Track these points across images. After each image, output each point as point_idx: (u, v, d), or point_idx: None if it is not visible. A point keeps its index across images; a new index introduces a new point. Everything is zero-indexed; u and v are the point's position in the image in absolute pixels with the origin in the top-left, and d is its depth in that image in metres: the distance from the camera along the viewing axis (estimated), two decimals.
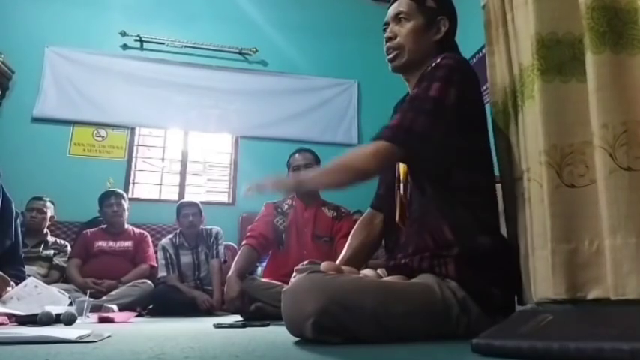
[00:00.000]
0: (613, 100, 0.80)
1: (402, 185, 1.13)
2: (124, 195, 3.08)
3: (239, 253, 2.12)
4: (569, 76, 0.90)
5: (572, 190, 0.87)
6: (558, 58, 0.91)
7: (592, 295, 0.83)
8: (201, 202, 3.16)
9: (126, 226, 3.06)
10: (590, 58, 0.83)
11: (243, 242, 2.16)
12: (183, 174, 4.32)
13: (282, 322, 0.94)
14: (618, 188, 0.78)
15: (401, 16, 1.14)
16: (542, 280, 0.91)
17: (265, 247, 2.18)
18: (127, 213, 3.04)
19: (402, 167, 1.15)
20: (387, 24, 1.18)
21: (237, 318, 1.87)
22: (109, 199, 3.00)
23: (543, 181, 0.89)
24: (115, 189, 3.19)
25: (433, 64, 1.05)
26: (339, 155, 1.04)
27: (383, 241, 1.27)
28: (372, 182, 1.35)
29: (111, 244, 2.96)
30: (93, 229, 3.07)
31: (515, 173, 1.07)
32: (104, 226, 3.08)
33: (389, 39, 1.16)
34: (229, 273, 2.02)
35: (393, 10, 1.17)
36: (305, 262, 1.06)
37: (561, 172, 0.87)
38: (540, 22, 0.93)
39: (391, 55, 1.16)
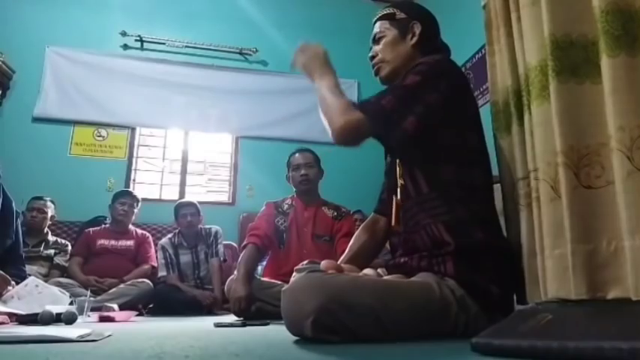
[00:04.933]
0: (629, 102, 0.81)
1: (398, 190, 1.14)
2: (139, 200, 3.12)
3: (245, 253, 2.05)
4: (584, 78, 0.90)
5: (590, 191, 0.87)
6: (572, 60, 0.91)
7: (612, 295, 0.83)
8: (202, 202, 3.17)
9: (129, 226, 3.08)
10: (605, 61, 0.84)
11: (248, 241, 2.10)
12: (183, 174, 4.33)
13: (282, 322, 0.94)
14: (636, 190, 0.78)
15: (377, 36, 1.22)
16: (555, 279, 0.91)
17: (268, 247, 2.17)
18: (133, 217, 3.09)
19: (399, 171, 1.15)
20: (371, 48, 1.25)
21: (238, 317, 1.87)
22: (124, 197, 3.06)
23: (561, 182, 0.90)
24: (132, 191, 3.25)
25: (412, 66, 1.08)
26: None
27: (387, 244, 1.27)
28: (373, 184, 1.35)
29: (113, 242, 2.97)
30: (95, 228, 3.09)
31: (518, 173, 1.07)
32: (107, 225, 3.11)
33: (371, 58, 1.23)
34: (238, 275, 1.96)
35: (372, 34, 1.25)
36: (305, 262, 1.07)
37: (579, 173, 0.88)
38: (554, 24, 0.93)
39: (375, 69, 1.23)
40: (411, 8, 1.22)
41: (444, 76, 1.05)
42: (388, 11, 1.22)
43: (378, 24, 1.23)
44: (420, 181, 1.06)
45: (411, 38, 1.18)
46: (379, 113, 0.99)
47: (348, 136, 1.01)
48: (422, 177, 1.06)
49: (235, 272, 2.02)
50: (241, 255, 2.07)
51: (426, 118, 1.01)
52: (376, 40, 1.22)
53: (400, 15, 1.20)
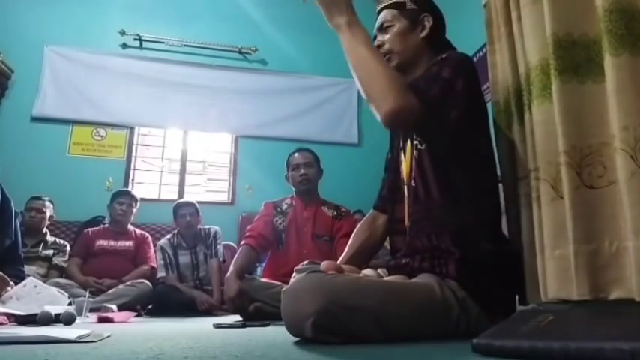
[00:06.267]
0: (633, 102, 0.80)
1: (405, 188, 1.13)
2: (138, 200, 3.12)
3: (238, 252, 2.11)
4: (585, 77, 0.90)
5: (592, 191, 0.87)
6: (574, 59, 0.91)
7: (614, 295, 0.83)
8: (201, 202, 3.16)
9: (128, 226, 3.08)
10: (608, 61, 0.83)
11: (242, 242, 2.15)
12: (182, 173, 4.33)
13: (282, 322, 0.93)
14: None
15: (385, 25, 1.17)
16: (556, 280, 0.91)
17: (264, 247, 2.18)
18: (132, 217, 3.08)
19: (405, 170, 1.14)
20: (375, 37, 1.20)
21: (237, 318, 1.87)
22: (122, 196, 3.05)
23: (563, 182, 0.89)
24: (130, 191, 3.25)
25: (440, 58, 1.04)
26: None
27: (386, 242, 1.26)
28: (373, 184, 1.35)
29: (112, 243, 2.97)
30: (94, 228, 3.09)
31: (519, 172, 1.07)
32: (106, 226, 3.11)
33: (377, 48, 1.17)
34: (228, 273, 2.01)
35: (377, 22, 1.20)
36: (305, 262, 1.06)
37: (581, 173, 0.88)
38: (556, 22, 0.93)
39: None
40: (422, 0, 1.18)
41: (470, 74, 1.03)
42: (398, 0, 1.17)
43: (385, 12, 1.18)
44: (432, 185, 1.03)
45: (422, 31, 1.15)
46: (432, 102, 0.95)
47: (400, 121, 0.95)
48: (434, 181, 1.03)
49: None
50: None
51: (465, 115, 0.99)
52: (383, 29, 1.17)
53: (411, 5, 1.16)
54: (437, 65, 1.03)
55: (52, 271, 2.83)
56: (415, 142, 1.08)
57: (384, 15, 1.18)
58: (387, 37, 1.16)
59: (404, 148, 1.15)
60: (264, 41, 4.44)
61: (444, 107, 0.97)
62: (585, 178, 0.87)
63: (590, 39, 0.91)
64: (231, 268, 2.02)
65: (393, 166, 1.23)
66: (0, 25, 3.93)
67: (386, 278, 1.04)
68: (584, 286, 0.84)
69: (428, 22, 1.15)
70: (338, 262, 1.19)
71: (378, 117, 0.95)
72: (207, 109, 4.30)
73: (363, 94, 0.99)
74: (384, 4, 1.19)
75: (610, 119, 0.84)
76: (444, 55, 1.05)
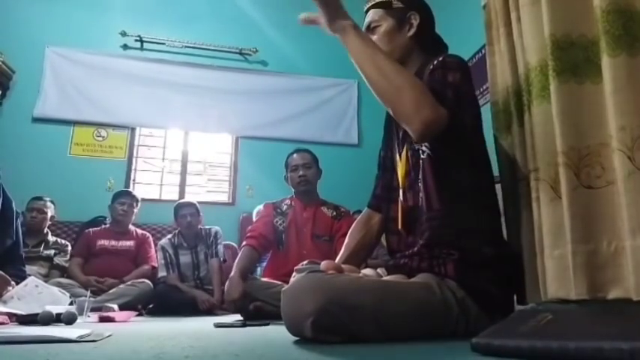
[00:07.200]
0: (630, 102, 0.81)
1: (401, 191, 1.13)
2: (138, 200, 3.12)
3: (240, 253, 2.11)
4: (584, 77, 0.90)
5: (590, 191, 0.87)
6: (572, 60, 0.91)
7: (612, 295, 0.83)
8: (201, 202, 3.17)
9: (129, 226, 3.08)
10: (606, 61, 0.84)
11: (244, 243, 2.15)
12: (183, 174, 4.33)
13: (282, 322, 0.94)
14: (637, 190, 0.78)
15: (372, 25, 1.17)
16: (556, 279, 0.91)
17: (265, 248, 2.19)
18: (133, 217, 3.09)
19: (400, 172, 1.14)
20: None
21: (238, 317, 1.87)
22: (123, 197, 3.06)
23: (561, 182, 0.90)
24: (131, 191, 3.26)
25: (436, 62, 1.03)
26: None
27: (383, 241, 1.26)
28: (373, 183, 1.35)
29: (113, 242, 2.97)
30: (95, 228, 3.09)
31: (519, 173, 1.07)
32: (107, 226, 3.11)
33: None
34: (232, 274, 2.00)
35: (365, 22, 1.18)
36: (305, 262, 1.06)
37: (579, 173, 0.88)
38: (554, 23, 0.93)
39: None
40: None
41: (470, 77, 1.03)
42: None
43: (372, 12, 1.17)
44: (432, 190, 1.02)
45: (409, 29, 1.14)
46: (452, 108, 0.94)
47: (435, 131, 0.93)
48: (434, 185, 1.02)
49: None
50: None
51: (475, 119, 1.00)
52: (371, 29, 1.16)
53: (397, 4, 1.15)
54: (439, 69, 1.01)
55: (54, 271, 2.84)
56: (422, 148, 1.05)
57: (371, 15, 1.17)
58: (374, 37, 1.15)
59: (399, 150, 1.15)
60: (264, 42, 4.44)
61: (460, 112, 0.97)
62: (583, 178, 0.88)
63: (588, 40, 0.91)
64: (234, 269, 2.01)
65: (388, 164, 1.23)
66: (1, 26, 3.93)
67: (385, 278, 1.04)
68: (583, 286, 0.85)
69: (415, 20, 1.14)
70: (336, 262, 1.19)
71: (410, 128, 0.94)
72: (208, 109, 4.30)
73: (388, 104, 0.96)
74: (371, 4, 1.18)
75: (608, 120, 0.84)
76: (440, 58, 1.03)
